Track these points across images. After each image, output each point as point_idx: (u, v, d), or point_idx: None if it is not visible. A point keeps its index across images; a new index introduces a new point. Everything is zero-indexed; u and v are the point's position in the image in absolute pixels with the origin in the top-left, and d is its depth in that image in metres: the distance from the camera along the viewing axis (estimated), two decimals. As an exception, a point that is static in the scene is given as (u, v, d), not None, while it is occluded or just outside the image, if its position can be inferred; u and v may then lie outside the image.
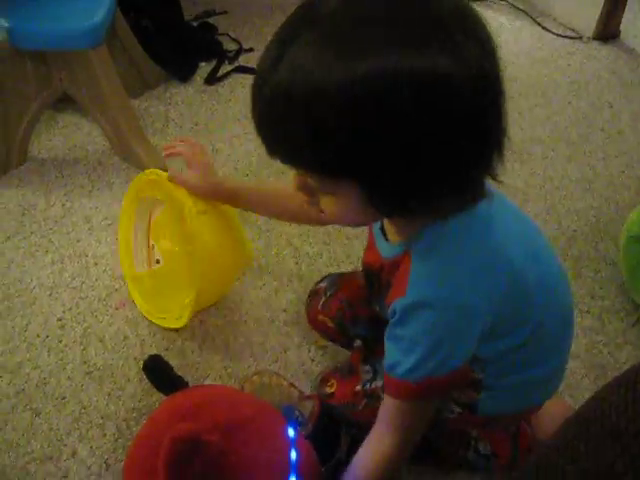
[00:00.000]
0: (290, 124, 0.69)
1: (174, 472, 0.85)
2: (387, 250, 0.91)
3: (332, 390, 1.19)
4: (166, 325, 1.47)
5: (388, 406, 0.93)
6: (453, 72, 0.64)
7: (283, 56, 0.68)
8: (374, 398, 1.11)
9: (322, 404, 1.20)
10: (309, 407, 1.21)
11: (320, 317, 1.32)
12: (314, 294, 1.35)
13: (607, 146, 2.04)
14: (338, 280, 1.34)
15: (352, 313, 1.26)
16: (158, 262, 1.56)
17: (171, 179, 1.31)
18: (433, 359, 0.83)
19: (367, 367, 1.18)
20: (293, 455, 0.98)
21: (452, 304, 0.81)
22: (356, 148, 0.67)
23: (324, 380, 1.23)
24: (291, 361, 1.43)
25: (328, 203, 0.79)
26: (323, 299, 1.30)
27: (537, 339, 0.93)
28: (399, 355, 0.86)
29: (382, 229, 0.95)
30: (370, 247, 1.00)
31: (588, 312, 1.53)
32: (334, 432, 1.20)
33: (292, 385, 1.30)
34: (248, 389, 1.30)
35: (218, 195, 1.30)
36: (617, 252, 1.63)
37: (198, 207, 1.30)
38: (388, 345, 0.88)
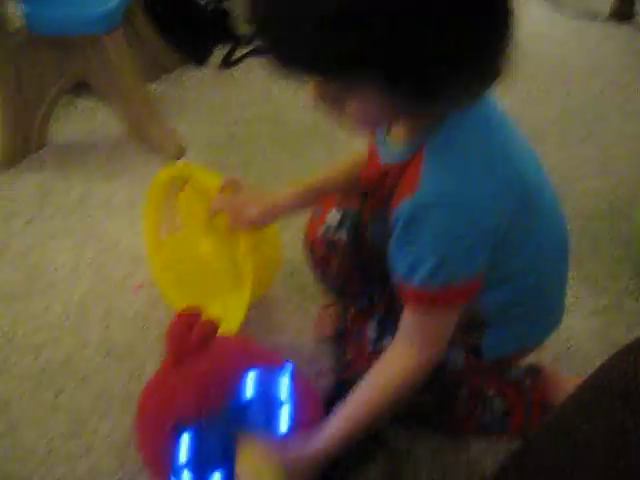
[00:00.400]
0: (297, 20, 0.66)
1: (176, 340, 0.94)
2: (395, 154, 0.88)
3: (350, 357, 1.17)
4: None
5: (408, 321, 0.90)
6: None
7: None
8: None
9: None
10: None
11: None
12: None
13: (623, 126, 2.04)
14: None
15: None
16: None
17: (233, 226, 1.22)
18: (448, 265, 0.81)
19: (373, 324, 1.14)
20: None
21: (463, 204, 0.79)
22: (380, 35, 0.65)
23: (343, 349, 1.22)
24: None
25: (349, 107, 0.76)
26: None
27: (536, 265, 0.95)
28: (413, 262, 0.83)
29: (384, 138, 0.93)
30: (370, 160, 0.98)
31: (604, 291, 1.53)
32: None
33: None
34: None
35: (279, 215, 1.20)
36: (632, 232, 1.63)
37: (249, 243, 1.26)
38: (397, 255, 0.85)
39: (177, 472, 0.93)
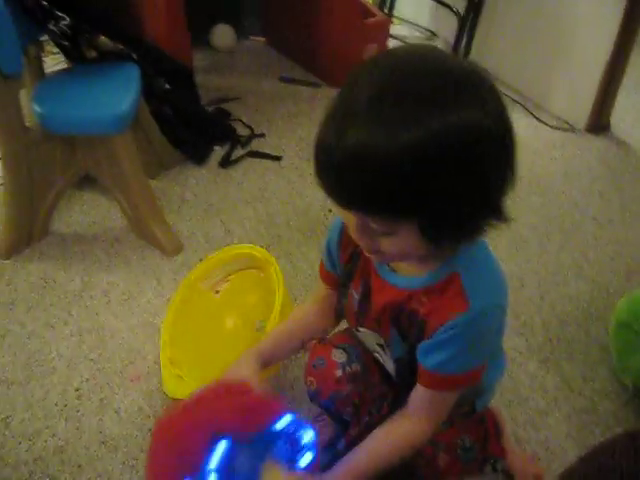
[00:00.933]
0: (363, 181, 0.80)
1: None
2: (420, 281, 1.01)
3: (314, 387, 1.26)
4: None
5: (422, 398, 1.06)
6: (482, 120, 0.79)
7: (347, 128, 0.79)
8: (357, 381, 1.23)
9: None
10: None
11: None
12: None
13: (598, 234, 2.15)
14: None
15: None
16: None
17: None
18: (481, 355, 1.02)
19: (339, 351, 1.26)
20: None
21: (502, 307, 1.01)
22: (419, 191, 0.79)
23: (305, 380, 1.30)
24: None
25: (388, 244, 0.90)
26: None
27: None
28: (446, 359, 0.99)
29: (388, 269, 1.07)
30: (379, 291, 1.08)
31: (580, 394, 1.60)
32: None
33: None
34: None
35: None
36: (607, 336, 1.72)
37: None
38: (429, 354, 1.01)
39: (204, 475, 0.98)
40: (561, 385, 1.62)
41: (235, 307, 1.69)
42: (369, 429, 1.17)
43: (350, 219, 0.91)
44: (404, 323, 1.05)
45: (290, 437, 1.03)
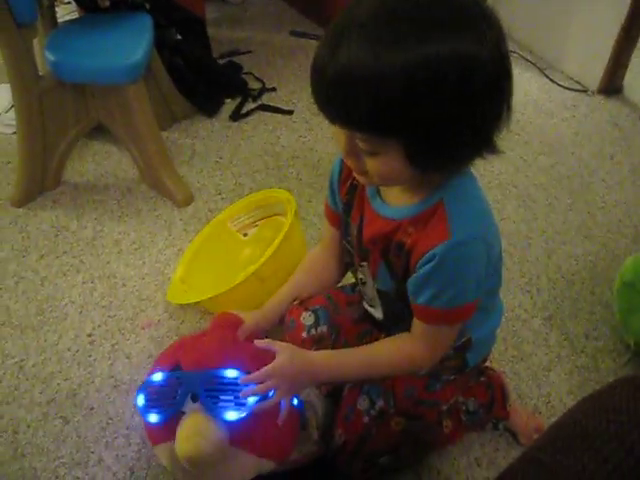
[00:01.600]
0: (351, 98, 0.81)
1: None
2: (406, 211, 1.01)
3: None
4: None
5: (420, 330, 1.06)
6: (478, 53, 0.80)
7: (340, 47, 0.80)
8: (322, 343, 1.26)
9: (323, 454, 1.30)
10: (316, 450, 1.31)
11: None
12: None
13: (607, 196, 2.16)
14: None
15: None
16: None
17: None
18: (468, 290, 1.00)
19: (307, 313, 1.28)
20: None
21: (485, 240, 0.98)
22: (405, 113, 0.81)
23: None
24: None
25: (374, 164, 0.91)
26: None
27: (496, 277, 1.15)
28: (436, 292, 0.99)
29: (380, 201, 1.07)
30: (370, 222, 1.09)
31: (583, 352, 1.63)
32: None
33: (315, 416, 1.40)
34: None
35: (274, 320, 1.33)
36: (612, 296, 1.73)
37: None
38: (419, 288, 1.01)
39: (140, 388, 1.07)
40: (564, 342, 1.65)
41: (259, 249, 1.71)
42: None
43: (341, 139, 0.92)
44: (392, 256, 1.05)
45: (233, 391, 1.02)
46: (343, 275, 1.33)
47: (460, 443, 1.41)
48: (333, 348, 1.27)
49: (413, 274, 1.00)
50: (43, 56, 1.86)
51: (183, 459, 0.96)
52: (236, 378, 1.02)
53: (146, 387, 1.06)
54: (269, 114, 2.47)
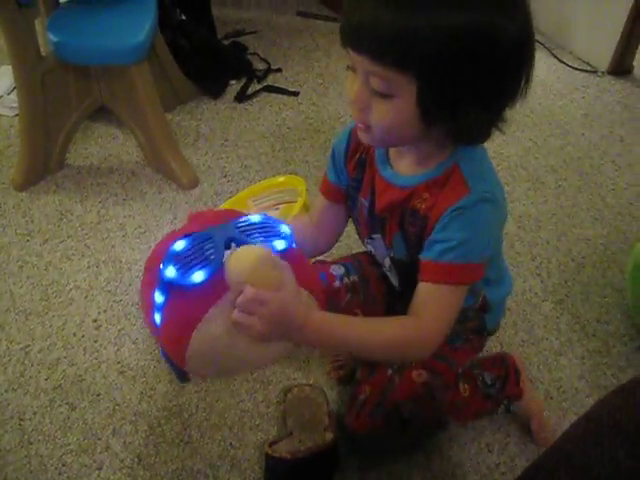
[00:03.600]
0: (377, 23, 0.84)
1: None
2: (419, 177, 1.02)
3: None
4: None
5: (424, 296, 1.01)
6: (507, 27, 0.84)
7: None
8: (355, 292, 1.26)
9: (335, 440, 1.31)
10: (328, 437, 1.31)
11: None
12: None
13: (617, 178, 2.13)
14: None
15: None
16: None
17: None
18: (481, 246, 0.99)
19: (337, 265, 1.28)
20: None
21: (501, 201, 1.01)
22: (429, 51, 0.82)
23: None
24: (313, 371, 1.52)
25: (382, 110, 0.91)
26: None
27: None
28: (448, 246, 0.97)
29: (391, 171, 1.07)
30: (382, 193, 1.08)
31: (594, 335, 1.61)
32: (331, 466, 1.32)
33: (326, 401, 1.40)
34: (289, 398, 1.41)
35: None
36: (623, 279, 1.71)
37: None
38: (433, 242, 0.99)
39: (165, 262, 0.91)
40: (575, 327, 1.63)
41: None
42: None
43: (354, 82, 0.92)
44: (407, 224, 1.05)
45: (265, 228, 0.96)
46: (329, 247, 1.29)
47: (471, 428, 1.39)
48: (364, 301, 1.28)
49: (429, 236, 1.00)
50: (45, 37, 1.83)
51: (245, 273, 0.88)
52: (263, 220, 0.97)
53: (171, 258, 0.90)
54: (275, 95, 2.43)
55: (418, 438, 1.35)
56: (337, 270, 1.28)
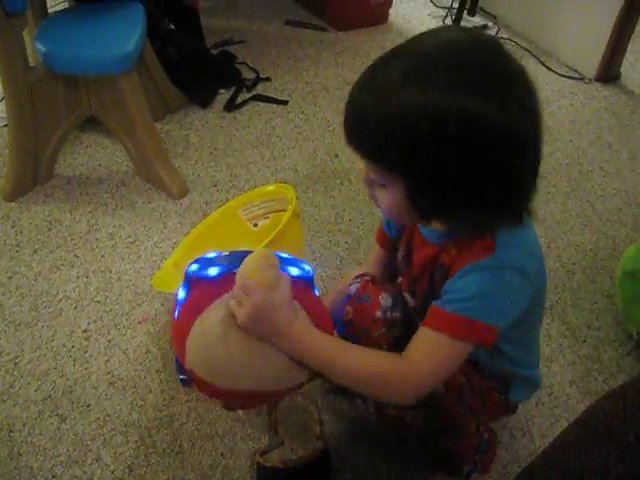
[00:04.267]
0: (361, 132, 0.90)
1: None
2: (448, 234, 1.02)
3: (349, 317, 1.20)
4: None
5: (427, 339, 0.98)
6: (495, 118, 0.82)
7: (357, 85, 0.91)
8: (393, 328, 1.19)
9: (326, 449, 1.30)
10: (319, 446, 1.31)
11: None
12: None
13: (606, 184, 2.14)
14: None
15: None
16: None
17: None
18: (491, 310, 0.96)
19: (385, 295, 1.21)
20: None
21: (530, 272, 0.97)
22: (405, 153, 0.86)
23: (343, 307, 1.26)
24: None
25: (381, 195, 0.96)
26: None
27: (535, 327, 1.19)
28: (455, 295, 0.96)
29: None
30: (420, 248, 1.10)
31: (585, 341, 1.61)
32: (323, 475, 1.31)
33: (317, 410, 1.40)
34: (281, 406, 1.41)
35: None
36: (613, 285, 1.72)
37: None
38: (446, 294, 0.98)
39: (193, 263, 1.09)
40: (566, 333, 1.63)
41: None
42: None
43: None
44: (436, 279, 1.05)
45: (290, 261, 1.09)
46: None
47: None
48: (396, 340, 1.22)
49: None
50: (33, 47, 1.83)
51: (246, 265, 1.01)
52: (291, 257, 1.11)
53: (199, 260, 1.10)
54: (264, 104, 2.44)
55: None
56: (385, 300, 1.22)
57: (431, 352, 0.98)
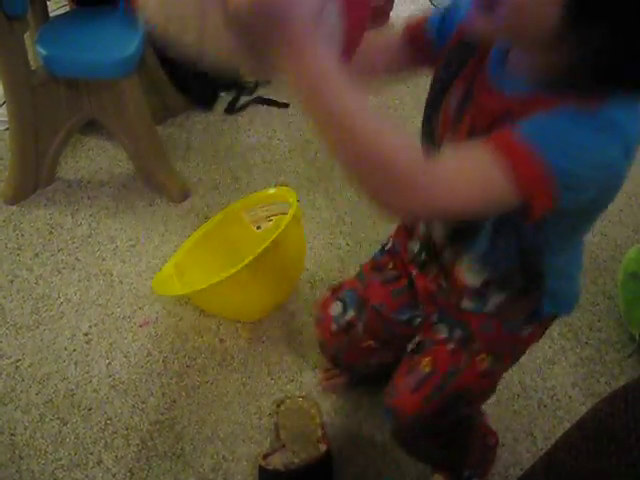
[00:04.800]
0: None
1: None
2: (532, 85, 0.77)
3: (320, 339, 1.23)
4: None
5: (465, 148, 0.74)
6: None
7: None
8: (351, 329, 1.19)
9: (328, 452, 1.31)
10: (321, 449, 1.31)
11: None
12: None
13: (608, 185, 2.13)
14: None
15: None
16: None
17: None
18: (561, 151, 0.71)
19: (335, 303, 1.21)
20: None
21: (630, 150, 0.73)
22: None
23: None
24: (305, 382, 1.51)
25: None
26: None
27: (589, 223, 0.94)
28: (532, 121, 0.72)
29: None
30: (481, 98, 0.85)
31: (587, 343, 1.61)
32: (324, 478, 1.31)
33: (319, 413, 1.41)
34: (282, 410, 1.41)
35: None
36: (615, 287, 1.72)
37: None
38: (520, 123, 0.72)
39: None
40: (568, 335, 1.63)
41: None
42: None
43: None
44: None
45: None
46: (367, 76, 0.96)
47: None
48: (364, 327, 1.18)
49: None
50: (34, 50, 1.83)
51: None
52: None
53: None
54: (265, 107, 2.43)
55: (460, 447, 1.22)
56: (335, 309, 1.21)
57: (463, 163, 0.73)
